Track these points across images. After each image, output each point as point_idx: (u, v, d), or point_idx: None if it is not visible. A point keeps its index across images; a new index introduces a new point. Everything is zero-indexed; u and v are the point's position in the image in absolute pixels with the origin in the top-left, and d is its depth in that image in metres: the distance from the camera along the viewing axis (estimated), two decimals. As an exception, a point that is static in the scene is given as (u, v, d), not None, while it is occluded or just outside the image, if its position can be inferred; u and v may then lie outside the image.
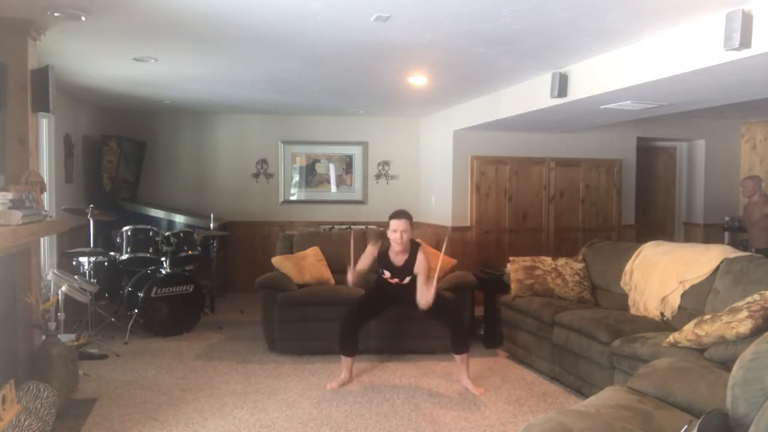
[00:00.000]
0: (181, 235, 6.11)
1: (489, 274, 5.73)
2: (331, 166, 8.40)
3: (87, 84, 5.86)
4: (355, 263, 4.45)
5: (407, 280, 4.47)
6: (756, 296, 3.35)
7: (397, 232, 4.37)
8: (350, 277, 4.36)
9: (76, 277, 5.01)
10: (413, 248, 4.47)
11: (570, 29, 3.79)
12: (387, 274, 4.52)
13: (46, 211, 3.84)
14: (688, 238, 8.13)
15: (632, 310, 4.49)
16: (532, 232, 7.43)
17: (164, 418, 3.78)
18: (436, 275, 4.31)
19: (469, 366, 4.49)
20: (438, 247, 5.73)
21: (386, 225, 4.49)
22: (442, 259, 4.54)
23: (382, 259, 4.51)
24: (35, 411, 3.19)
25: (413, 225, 4.51)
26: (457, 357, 4.44)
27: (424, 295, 4.27)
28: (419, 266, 4.40)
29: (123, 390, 4.27)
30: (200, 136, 8.12)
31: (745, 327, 3.13)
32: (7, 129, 3.72)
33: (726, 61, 3.40)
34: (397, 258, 4.46)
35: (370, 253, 4.52)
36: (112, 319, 5.73)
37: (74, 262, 5.66)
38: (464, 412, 3.94)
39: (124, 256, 5.78)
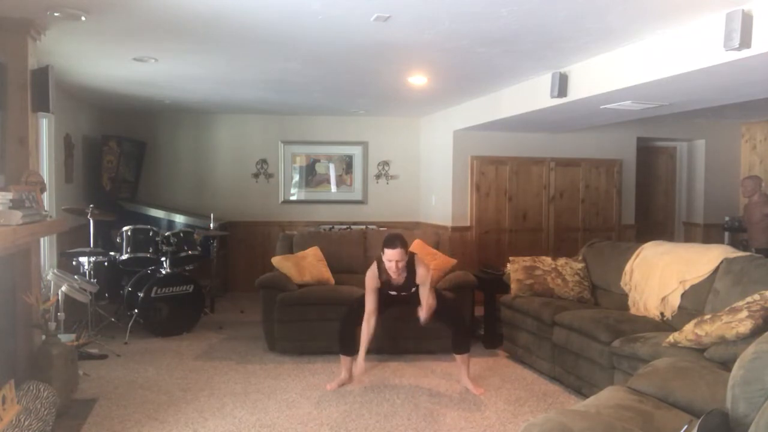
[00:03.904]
0: (181, 235, 6.11)
1: (489, 274, 5.73)
2: (331, 166, 8.40)
3: (87, 84, 5.86)
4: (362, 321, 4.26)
5: (412, 290, 4.36)
6: (756, 296, 3.35)
7: (392, 261, 4.09)
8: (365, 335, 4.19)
9: (76, 277, 5.01)
10: (410, 262, 4.26)
11: (570, 29, 3.79)
12: (393, 293, 4.39)
13: (46, 211, 3.83)
14: (688, 238, 8.13)
15: (632, 310, 4.49)
16: (532, 232, 7.43)
17: (164, 418, 3.78)
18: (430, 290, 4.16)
19: (470, 366, 4.49)
20: (438, 248, 5.75)
21: (381, 233, 4.33)
22: (440, 261, 4.45)
23: (383, 284, 4.32)
24: (35, 411, 3.18)
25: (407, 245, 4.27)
26: (458, 357, 4.44)
27: (427, 306, 4.17)
28: (420, 278, 4.27)
29: (123, 390, 4.27)
30: (200, 136, 8.11)
31: (745, 327, 3.13)
32: (7, 129, 3.72)
33: (726, 61, 3.40)
34: (397, 278, 4.32)
35: (372, 286, 4.26)
36: (112, 319, 5.74)
37: (74, 262, 5.66)
38: (464, 412, 3.94)
39: (124, 256, 5.79)
